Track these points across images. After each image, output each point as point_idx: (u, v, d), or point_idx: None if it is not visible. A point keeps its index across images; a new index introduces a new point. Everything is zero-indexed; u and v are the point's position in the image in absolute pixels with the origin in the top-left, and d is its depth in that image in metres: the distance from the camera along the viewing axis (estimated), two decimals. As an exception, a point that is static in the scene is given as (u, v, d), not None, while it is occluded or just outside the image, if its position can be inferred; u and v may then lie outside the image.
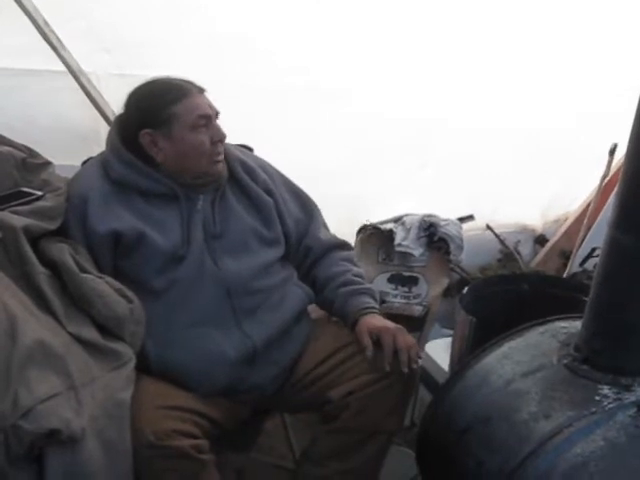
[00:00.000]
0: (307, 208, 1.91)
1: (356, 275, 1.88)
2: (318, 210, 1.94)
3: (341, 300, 1.81)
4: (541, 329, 1.54)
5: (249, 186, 1.79)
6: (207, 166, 1.70)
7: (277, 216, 1.81)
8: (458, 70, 2.47)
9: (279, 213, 1.82)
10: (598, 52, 2.54)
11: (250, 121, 2.19)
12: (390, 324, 1.73)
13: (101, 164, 1.72)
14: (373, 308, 1.79)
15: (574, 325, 1.48)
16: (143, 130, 1.65)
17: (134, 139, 1.67)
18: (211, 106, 1.69)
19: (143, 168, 1.68)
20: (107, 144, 1.74)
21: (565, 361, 1.39)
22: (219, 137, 1.69)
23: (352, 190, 2.54)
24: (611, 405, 1.28)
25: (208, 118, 1.67)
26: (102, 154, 1.76)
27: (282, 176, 1.91)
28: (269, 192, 1.82)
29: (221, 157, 1.72)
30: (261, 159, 1.91)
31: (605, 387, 1.31)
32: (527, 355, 1.47)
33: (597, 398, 1.29)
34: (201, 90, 1.70)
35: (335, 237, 1.96)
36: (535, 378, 1.39)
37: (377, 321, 1.74)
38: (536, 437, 1.28)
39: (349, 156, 2.48)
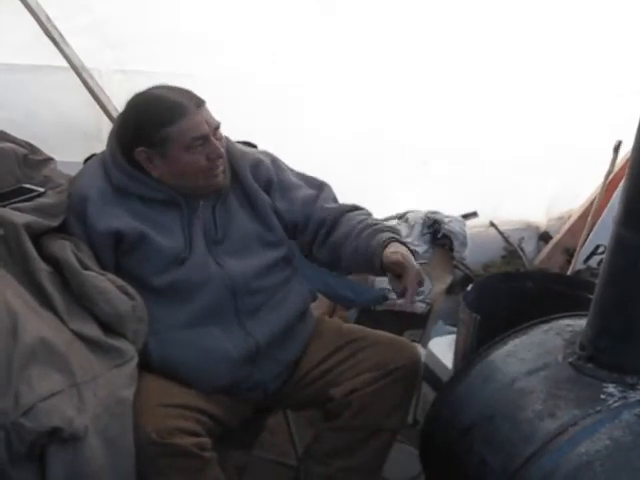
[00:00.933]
0: (316, 183, 1.86)
1: (373, 220, 1.77)
2: (328, 186, 1.87)
3: (363, 245, 1.69)
4: (546, 327, 1.53)
5: (253, 189, 1.77)
6: (205, 181, 1.67)
7: (280, 197, 1.79)
8: (460, 69, 2.48)
9: (283, 188, 1.79)
10: (599, 52, 2.54)
11: (251, 120, 2.18)
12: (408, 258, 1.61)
13: (103, 164, 1.70)
14: (390, 239, 1.66)
15: (579, 323, 1.47)
16: (139, 148, 1.63)
17: (131, 152, 1.64)
18: (209, 122, 1.63)
19: (141, 178, 1.66)
20: (107, 147, 1.71)
21: (570, 359, 1.39)
22: (216, 155, 1.64)
23: (353, 188, 2.53)
24: (616, 404, 1.27)
25: (205, 138, 1.62)
26: (104, 153, 1.73)
27: (288, 167, 1.88)
28: (269, 182, 1.79)
29: (219, 170, 1.68)
30: (271, 154, 1.88)
31: (610, 386, 1.30)
32: (532, 353, 1.46)
33: (602, 397, 1.29)
34: (199, 104, 1.63)
35: (347, 203, 1.87)
36: (540, 376, 1.38)
37: (392, 253, 1.61)
38: (541, 436, 1.27)
39: (350, 155, 2.48)
